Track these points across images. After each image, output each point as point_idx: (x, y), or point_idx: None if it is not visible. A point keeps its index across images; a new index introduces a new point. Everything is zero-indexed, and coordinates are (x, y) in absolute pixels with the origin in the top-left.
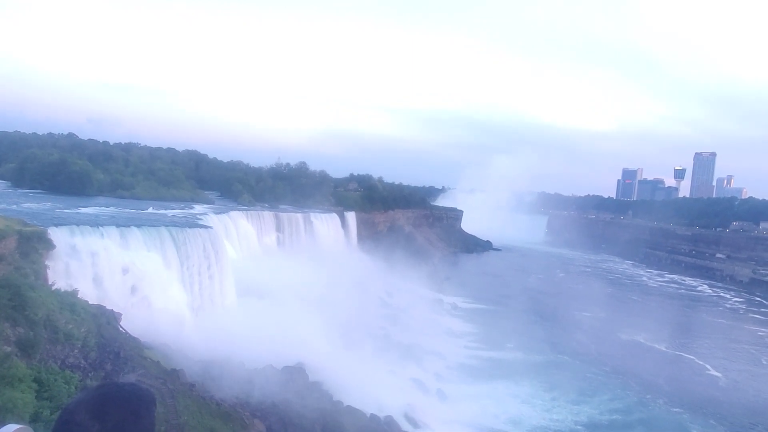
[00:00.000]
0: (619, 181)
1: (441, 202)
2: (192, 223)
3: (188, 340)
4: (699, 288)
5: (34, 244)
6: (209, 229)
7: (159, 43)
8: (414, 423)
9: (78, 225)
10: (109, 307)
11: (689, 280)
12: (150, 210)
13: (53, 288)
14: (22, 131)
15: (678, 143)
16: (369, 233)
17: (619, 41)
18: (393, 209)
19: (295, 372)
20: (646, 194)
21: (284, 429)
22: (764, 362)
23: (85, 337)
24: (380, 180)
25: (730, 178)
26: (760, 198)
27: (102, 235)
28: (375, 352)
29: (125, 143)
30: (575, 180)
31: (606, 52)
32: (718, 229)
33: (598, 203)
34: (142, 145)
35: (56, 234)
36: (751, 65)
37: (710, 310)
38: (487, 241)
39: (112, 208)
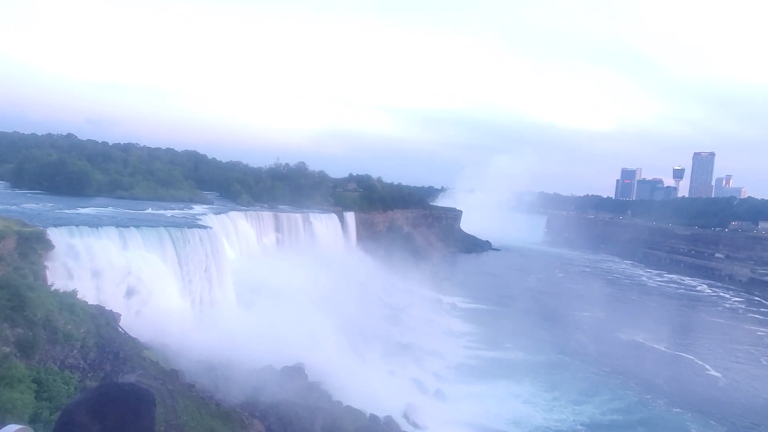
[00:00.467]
0: (618, 180)
1: (440, 202)
2: (191, 224)
3: (187, 340)
4: (698, 288)
5: (32, 244)
6: (208, 229)
7: (158, 43)
8: (414, 423)
9: (77, 225)
10: (108, 307)
11: (688, 280)
12: (149, 210)
13: (52, 288)
14: (20, 131)
15: (677, 143)
16: (368, 233)
17: (618, 41)
18: (392, 209)
19: (295, 372)
20: (645, 194)
21: (283, 429)
22: (764, 362)
23: (84, 338)
24: (379, 180)
25: (728, 177)
26: (759, 198)
27: (101, 235)
28: (374, 352)
29: (124, 143)
30: (574, 180)
31: (605, 52)
32: (717, 229)
33: (597, 203)
34: (141, 145)
35: (55, 234)
36: (750, 65)
37: (709, 310)
38: (486, 241)
39: (110, 209)
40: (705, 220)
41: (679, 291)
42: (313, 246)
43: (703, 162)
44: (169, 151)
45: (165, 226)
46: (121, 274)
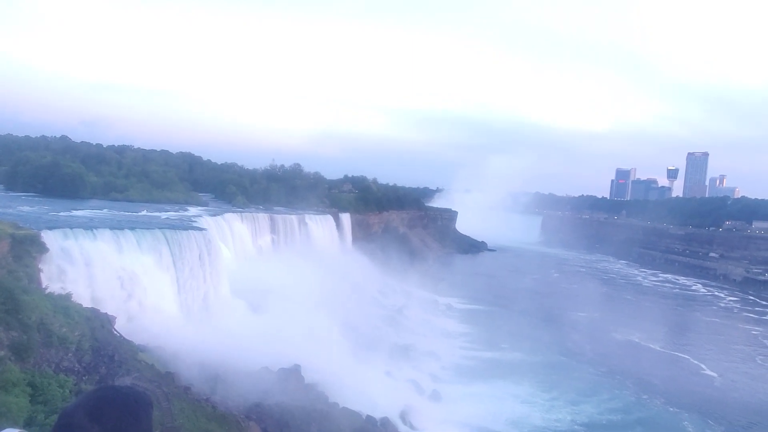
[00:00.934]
0: (612, 181)
1: (436, 202)
2: (186, 225)
3: (183, 342)
4: (693, 287)
5: (27, 247)
6: (204, 231)
7: (153, 45)
8: (410, 424)
9: (71, 228)
10: (103, 310)
11: (683, 280)
12: (144, 212)
13: (47, 291)
14: (14, 134)
15: (671, 143)
16: (364, 234)
17: (613, 42)
18: (387, 210)
19: (291, 374)
20: (639, 194)
21: (280, 430)
22: (759, 361)
23: (79, 341)
24: (375, 181)
25: (722, 177)
26: (753, 197)
27: (96, 237)
28: (370, 353)
29: (118, 145)
30: (569, 180)
31: (599, 53)
32: (711, 229)
33: (592, 203)
34: (135, 147)
35: (49, 237)
36: (743, 67)
37: (704, 310)
38: (482, 241)
39: (105, 211)
40: (699, 220)
41: (674, 291)
42: (308, 247)
43: (697, 162)
44: (164, 153)
45: (160, 228)
46: (116, 276)
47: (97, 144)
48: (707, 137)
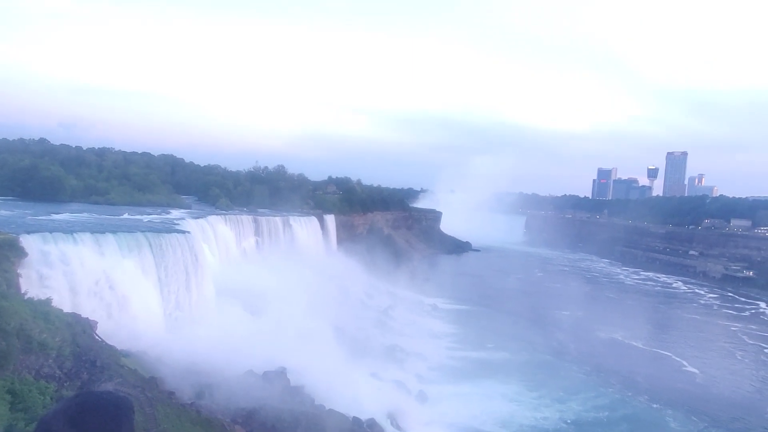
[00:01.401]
0: (594, 180)
1: (420, 203)
2: (169, 229)
3: (167, 347)
4: (674, 285)
5: (5, 252)
6: (187, 234)
7: (132, 46)
8: (397, 425)
9: (51, 232)
10: (84, 315)
11: (664, 277)
12: (125, 215)
13: (26, 297)
14: None
15: (651, 143)
16: (348, 236)
17: (592, 43)
18: (372, 211)
19: (276, 377)
20: (620, 193)
21: None
22: (739, 357)
23: (60, 347)
24: (359, 182)
25: (701, 176)
26: (730, 196)
27: (76, 241)
28: (356, 355)
29: (99, 148)
30: (552, 180)
31: (580, 54)
32: (690, 227)
33: (575, 203)
34: (116, 149)
35: (28, 241)
36: (721, 68)
37: (685, 307)
38: (467, 241)
39: (85, 214)
40: (679, 219)
41: (656, 288)
42: (293, 249)
43: (676, 161)
44: (146, 155)
45: (142, 232)
46: (97, 280)
47: (76, 146)
48: (686, 137)
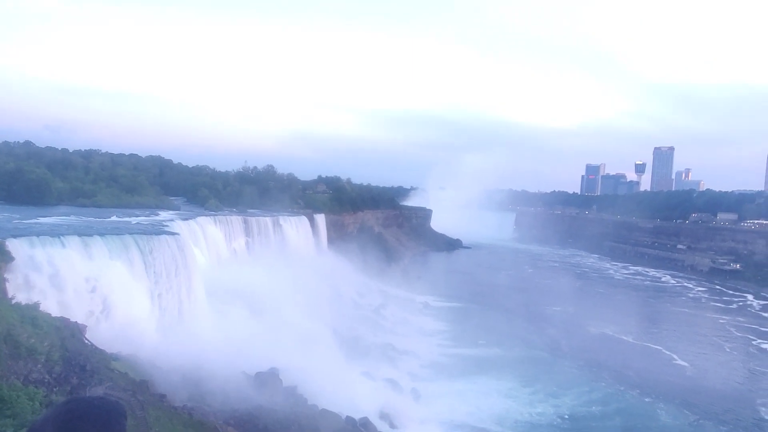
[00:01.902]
0: (583, 176)
1: (410, 201)
2: (158, 230)
3: (157, 349)
4: (663, 279)
5: None
6: (176, 235)
7: (118, 46)
8: (390, 423)
9: (38, 236)
10: (73, 319)
11: (653, 272)
12: (113, 218)
13: (13, 302)
14: None
15: (638, 138)
16: (339, 235)
17: (578, 40)
18: (362, 210)
19: (269, 377)
20: (609, 189)
21: None
22: (727, 349)
23: (48, 351)
24: (349, 181)
25: (688, 171)
26: (717, 190)
27: (63, 245)
28: (348, 354)
29: (85, 150)
30: (541, 177)
31: (566, 51)
32: (678, 221)
33: (564, 199)
34: (102, 151)
35: (15, 245)
36: (706, 63)
37: (674, 300)
38: (457, 239)
39: (73, 217)
40: (667, 213)
41: (645, 283)
42: (283, 249)
43: (663, 156)
44: (133, 157)
45: (131, 234)
46: (85, 284)
47: (62, 149)
48: (672, 132)
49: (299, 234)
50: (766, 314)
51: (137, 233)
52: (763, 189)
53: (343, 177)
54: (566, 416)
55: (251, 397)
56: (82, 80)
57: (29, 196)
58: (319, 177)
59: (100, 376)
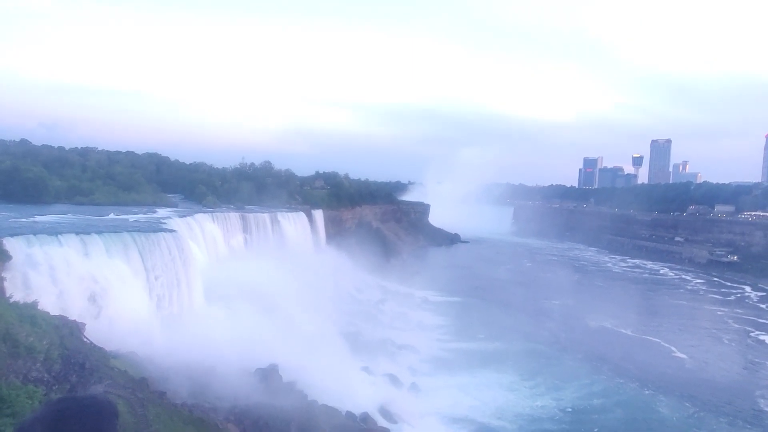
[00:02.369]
0: (580, 170)
1: (408, 196)
2: (156, 228)
3: (157, 347)
4: (661, 271)
5: None
6: (174, 232)
7: (113, 44)
8: (390, 418)
9: (35, 234)
10: (71, 317)
11: (651, 264)
12: (111, 216)
13: (11, 300)
14: None
15: (635, 131)
16: (337, 230)
17: (574, 33)
18: (360, 205)
19: (268, 373)
20: (606, 182)
21: (259, 431)
22: (726, 341)
23: (47, 350)
24: (346, 177)
25: (685, 163)
26: (714, 182)
27: (61, 243)
28: (348, 349)
29: (81, 148)
30: (539, 170)
31: (562, 44)
32: (675, 214)
33: (562, 192)
34: (99, 149)
35: (12, 244)
36: (702, 55)
37: (672, 293)
38: (455, 233)
39: (70, 216)
40: (664, 206)
41: (644, 275)
42: (282, 245)
43: (661, 149)
44: (130, 155)
45: (128, 232)
46: (83, 282)
47: (59, 147)
48: (669, 125)
49: (297, 230)
50: (763, 306)
51: (135, 231)
52: (760, 180)
53: (341, 172)
54: (568, 409)
55: (251, 393)
56: (77, 78)
57: (26, 194)
58: (317, 173)
59: (100, 374)
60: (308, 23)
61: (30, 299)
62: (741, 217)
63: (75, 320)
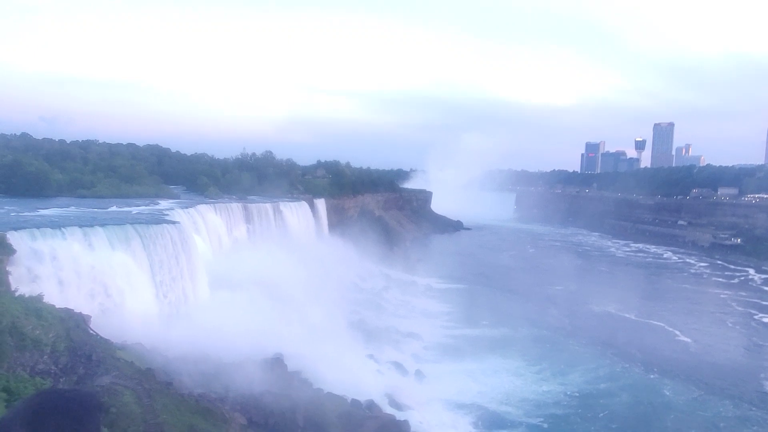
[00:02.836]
0: (582, 154)
1: (410, 184)
2: (158, 219)
3: (162, 337)
4: (664, 255)
5: None
6: (177, 224)
7: (112, 36)
8: (396, 405)
9: (39, 228)
10: (77, 310)
11: (654, 248)
12: (113, 208)
13: (17, 294)
14: None
15: (637, 115)
16: (339, 219)
17: (574, 17)
18: (362, 194)
19: (274, 363)
20: (609, 166)
21: (265, 420)
22: (729, 324)
23: (54, 342)
24: (348, 165)
25: (688, 146)
26: (717, 165)
27: (65, 236)
28: (352, 338)
29: (83, 141)
30: (541, 156)
31: (562, 28)
32: (678, 197)
33: (564, 178)
34: (100, 141)
35: (16, 238)
36: (704, 37)
37: (676, 277)
38: (458, 220)
39: (73, 209)
40: (667, 189)
41: (647, 260)
42: (285, 235)
43: (663, 132)
44: (131, 147)
45: (131, 224)
46: (88, 274)
47: (60, 140)
48: (671, 107)
49: (300, 219)
50: (767, 288)
51: (138, 223)
52: (763, 163)
53: (342, 161)
54: (574, 394)
55: (257, 382)
56: (77, 71)
57: (28, 188)
58: (318, 161)
59: (107, 366)
60: (307, 13)
61: (35, 292)
62: (744, 200)
63: (80, 312)
